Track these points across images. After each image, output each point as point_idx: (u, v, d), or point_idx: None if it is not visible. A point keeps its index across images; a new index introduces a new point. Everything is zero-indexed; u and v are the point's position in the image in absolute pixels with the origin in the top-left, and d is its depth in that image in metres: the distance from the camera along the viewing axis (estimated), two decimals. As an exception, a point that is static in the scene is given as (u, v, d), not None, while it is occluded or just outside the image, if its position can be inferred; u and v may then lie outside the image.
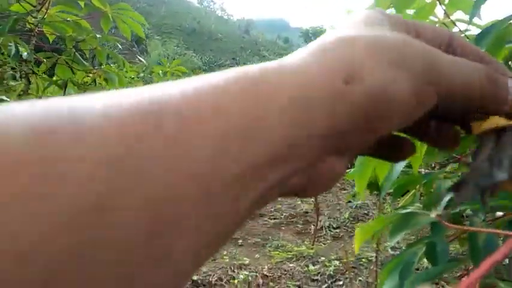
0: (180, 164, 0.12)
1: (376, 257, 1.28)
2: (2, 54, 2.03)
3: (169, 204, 0.12)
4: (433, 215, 0.44)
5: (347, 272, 2.01)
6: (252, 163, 0.14)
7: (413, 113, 0.17)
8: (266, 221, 2.82)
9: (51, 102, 0.12)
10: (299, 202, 3.16)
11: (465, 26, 0.70)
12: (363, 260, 2.18)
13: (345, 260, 2.16)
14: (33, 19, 1.45)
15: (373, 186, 1.25)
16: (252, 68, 0.15)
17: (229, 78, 0.15)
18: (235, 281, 1.87)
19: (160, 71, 2.83)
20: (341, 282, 1.93)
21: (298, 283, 1.89)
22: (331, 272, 2.03)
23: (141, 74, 2.82)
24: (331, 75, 0.16)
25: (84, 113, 0.12)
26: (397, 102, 0.16)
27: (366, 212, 3.12)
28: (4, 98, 2.12)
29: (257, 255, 2.26)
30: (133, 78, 2.67)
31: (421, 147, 0.57)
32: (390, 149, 0.21)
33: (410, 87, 0.16)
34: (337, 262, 2.16)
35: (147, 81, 2.86)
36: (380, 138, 0.18)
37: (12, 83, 2.38)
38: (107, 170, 0.11)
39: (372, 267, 2.03)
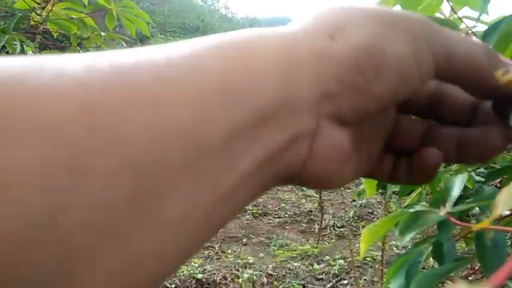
0: (162, 124, 0.12)
1: (381, 256, 1.27)
2: (7, 53, 2.04)
3: (150, 168, 0.11)
4: (442, 212, 0.43)
5: (352, 271, 2.00)
6: (238, 124, 0.13)
7: (413, 77, 0.16)
8: (270, 219, 2.81)
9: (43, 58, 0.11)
10: (303, 201, 3.16)
11: (472, 23, 0.69)
12: (368, 259, 2.17)
13: (350, 259, 2.15)
14: (37, 17, 1.45)
15: (379, 184, 1.24)
16: (233, 34, 0.15)
17: (211, 44, 0.14)
18: (240, 280, 1.87)
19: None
20: (346, 282, 1.93)
21: (302, 282, 1.89)
22: (336, 271, 2.02)
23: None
24: (315, 34, 0.16)
25: (67, 66, 0.11)
26: (388, 58, 0.16)
27: (370, 210, 3.11)
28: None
29: (261, 254, 2.26)
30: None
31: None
32: (408, 169, 0.20)
33: (407, 45, 0.16)
34: (342, 261, 2.15)
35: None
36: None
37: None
38: (80, 128, 0.10)
39: (377, 266, 2.02)
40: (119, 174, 0.11)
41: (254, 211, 2.80)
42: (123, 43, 1.77)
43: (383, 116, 0.19)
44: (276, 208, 3.03)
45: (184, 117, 0.12)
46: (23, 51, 1.48)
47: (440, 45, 0.17)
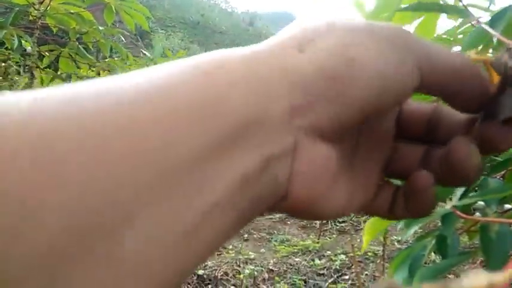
0: (122, 151, 0.11)
1: (383, 250, 1.27)
2: (6, 48, 2.03)
3: (104, 201, 0.10)
4: (448, 206, 0.42)
5: (353, 266, 2.00)
6: (204, 148, 0.12)
7: (395, 85, 0.16)
8: (271, 215, 2.81)
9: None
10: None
11: (477, 11, 0.68)
12: (369, 254, 2.17)
13: (351, 254, 2.15)
14: (35, 11, 1.44)
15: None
16: (197, 57, 0.14)
17: (176, 69, 0.14)
18: (241, 276, 1.86)
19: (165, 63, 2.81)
20: (347, 277, 1.93)
21: (304, 277, 1.89)
22: (338, 266, 2.02)
23: (146, 67, 2.80)
24: (285, 48, 0.15)
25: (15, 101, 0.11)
26: (360, 63, 0.15)
27: (372, 205, 3.11)
28: (8, 91, 2.12)
29: (262, 250, 2.26)
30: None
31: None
32: (406, 199, 0.19)
33: (386, 54, 0.15)
34: (343, 256, 2.15)
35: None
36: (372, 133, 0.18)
37: (16, 77, 2.39)
38: (29, 162, 0.10)
39: (378, 261, 2.02)
40: (69, 209, 0.10)
41: (255, 206, 2.79)
42: (123, 38, 1.76)
43: (379, 138, 0.19)
44: (277, 203, 3.02)
45: (149, 142, 0.12)
46: (21, 46, 1.47)
47: (423, 54, 0.16)
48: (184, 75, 0.13)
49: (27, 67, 1.47)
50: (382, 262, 1.27)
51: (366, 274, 1.90)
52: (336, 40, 0.15)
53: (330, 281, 1.87)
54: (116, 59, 1.96)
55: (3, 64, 2.02)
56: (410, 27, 0.65)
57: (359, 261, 2.07)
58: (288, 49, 0.15)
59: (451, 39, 0.62)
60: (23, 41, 1.57)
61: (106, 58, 1.74)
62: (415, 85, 0.16)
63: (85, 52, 1.60)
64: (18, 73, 2.43)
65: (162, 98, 0.12)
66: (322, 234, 2.48)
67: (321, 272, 1.98)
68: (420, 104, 0.19)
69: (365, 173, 0.18)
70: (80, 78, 1.66)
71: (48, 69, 1.70)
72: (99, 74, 1.85)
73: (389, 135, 0.19)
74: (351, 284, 1.83)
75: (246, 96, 0.14)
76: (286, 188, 0.15)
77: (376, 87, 0.15)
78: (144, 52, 2.43)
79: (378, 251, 2.18)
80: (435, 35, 0.62)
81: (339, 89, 0.15)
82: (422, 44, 0.16)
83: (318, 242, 2.33)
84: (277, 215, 2.81)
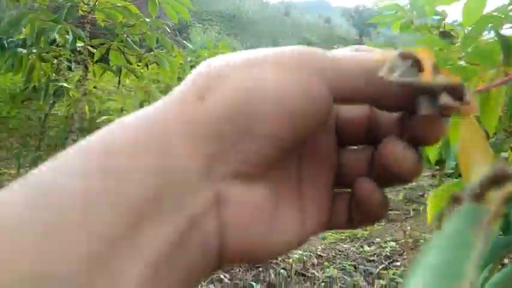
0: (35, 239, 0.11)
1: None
2: (57, 45, 2.13)
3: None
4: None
5: (405, 253, 1.95)
6: (119, 222, 0.12)
7: (307, 110, 0.15)
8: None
9: None
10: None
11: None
12: (421, 241, 2.10)
13: (401, 241, 2.09)
14: (85, 6, 1.49)
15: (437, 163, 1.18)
16: (99, 132, 0.14)
17: (81, 148, 0.13)
18: (290, 260, 1.87)
19: (206, 54, 2.86)
20: (399, 263, 1.88)
21: (353, 263, 1.86)
22: (388, 253, 1.98)
23: (189, 59, 2.87)
24: (185, 99, 0.15)
25: None
26: (260, 97, 0.14)
27: (421, 193, 3.01)
28: (65, 84, 2.23)
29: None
30: (181, 63, 2.72)
31: (493, 111, 0.52)
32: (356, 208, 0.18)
33: (279, 81, 0.15)
34: (393, 243, 2.10)
35: (194, 66, 2.89)
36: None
37: (66, 73, 2.50)
38: None
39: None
40: None
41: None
42: (168, 29, 1.79)
43: (321, 156, 0.18)
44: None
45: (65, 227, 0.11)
46: (75, 42, 1.53)
47: (329, 70, 0.15)
48: (85, 152, 0.13)
49: (81, 61, 1.53)
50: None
51: (419, 261, 1.85)
52: (236, 80, 0.15)
53: (380, 267, 1.83)
54: (160, 51, 2.00)
55: (55, 61, 2.12)
56: (459, 5, 0.61)
57: (411, 249, 2.01)
58: (190, 99, 0.15)
59: (502, 16, 0.58)
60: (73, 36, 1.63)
61: (151, 50, 1.78)
62: (327, 102, 0.15)
63: (133, 44, 1.64)
64: (69, 68, 2.55)
65: (73, 185, 0.12)
66: (369, 221, 2.44)
67: (371, 258, 1.95)
68: (356, 109, 0.19)
69: (315, 193, 0.18)
70: (130, 69, 1.71)
71: (100, 62, 1.76)
72: (147, 66, 1.90)
73: (332, 150, 0.19)
74: (403, 270, 1.79)
75: (147, 158, 0.13)
76: (220, 242, 0.15)
77: (283, 116, 0.15)
78: (188, 44, 2.47)
79: (430, 238, 2.10)
80: (485, 13, 0.58)
81: (247, 127, 0.14)
82: (328, 60, 0.16)
83: (366, 230, 2.29)
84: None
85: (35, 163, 2.72)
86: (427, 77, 0.15)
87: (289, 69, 0.15)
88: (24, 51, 1.77)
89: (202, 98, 0.15)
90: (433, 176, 3.35)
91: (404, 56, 0.16)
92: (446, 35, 1.06)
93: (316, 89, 0.15)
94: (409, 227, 2.26)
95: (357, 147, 0.20)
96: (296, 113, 0.15)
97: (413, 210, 2.67)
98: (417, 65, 0.16)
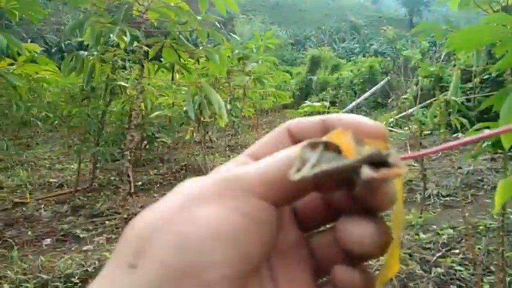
0: None
1: (502, 221, 1.18)
2: (112, 46, 2.25)
3: None
4: None
5: (464, 240, 1.89)
6: None
7: (250, 235, 0.15)
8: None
9: None
10: (402, 170, 3.01)
11: None
12: (481, 227, 2.02)
13: (460, 228, 2.03)
14: (140, 6, 1.57)
15: (498, 145, 1.13)
16: None
17: None
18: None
19: (254, 45, 2.89)
20: (457, 251, 1.82)
21: (408, 251, 1.83)
22: (445, 241, 1.92)
23: (236, 51, 2.91)
24: (115, 267, 0.15)
25: None
26: (195, 242, 0.15)
27: (480, 178, 2.87)
28: (123, 83, 2.36)
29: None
30: (229, 56, 2.77)
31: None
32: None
33: (221, 213, 0.15)
34: (450, 230, 2.04)
35: (242, 58, 2.93)
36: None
37: (121, 71, 2.63)
38: None
39: (491, 236, 1.88)
40: None
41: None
42: (217, 24, 1.83)
43: (292, 257, 0.19)
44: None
45: None
46: (132, 43, 1.61)
47: (257, 186, 0.16)
48: None
49: (137, 60, 1.61)
50: (501, 233, 1.18)
51: (479, 248, 1.78)
52: (167, 235, 0.15)
53: (437, 255, 1.79)
54: (209, 46, 2.06)
55: (111, 61, 2.24)
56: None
57: (471, 236, 1.94)
58: (120, 268, 0.15)
59: None
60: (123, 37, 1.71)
61: (196, 45, 1.83)
62: (270, 214, 0.16)
63: (184, 41, 1.70)
64: (124, 67, 2.67)
65: None
66: (424, 208, 2.37)
67: (427, 246, 1.90)
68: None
69: (295, 285, 0.18)
70: (182, 67, 1.77)
71: (154, 60, 1.84)
72: (198, 61, 1.97)
73: (300, 242, 0.19)
74: (462, 258, 1.73)
75: None
76: None
77: (226, 250, 0.15)
78: (234, 36, 2.51)
79: (491, 224, 2.02)
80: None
81: (193, 276, 0.14)
82: (244, 175, 0.16)
83: (420, 217, 2.23)
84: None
85: (94, 158, 2.91)
86: (349, 153, 0.16)
87: (220, 199, 0.16)
88: (86, 53, 1.88)
89: (133, 266, 0.15)
90: (492, 159, 3.18)
91: (313, 145, 0.16)
92: (510, 10, 1.00)
93: (262, 210, 0.16)
94: (467, 214, 2.18)
95: (324, 227, 0.20)
96: (240, 241, 0.15)
97: (472, 196, 2.56)
98: (331, 146, 0.16)
